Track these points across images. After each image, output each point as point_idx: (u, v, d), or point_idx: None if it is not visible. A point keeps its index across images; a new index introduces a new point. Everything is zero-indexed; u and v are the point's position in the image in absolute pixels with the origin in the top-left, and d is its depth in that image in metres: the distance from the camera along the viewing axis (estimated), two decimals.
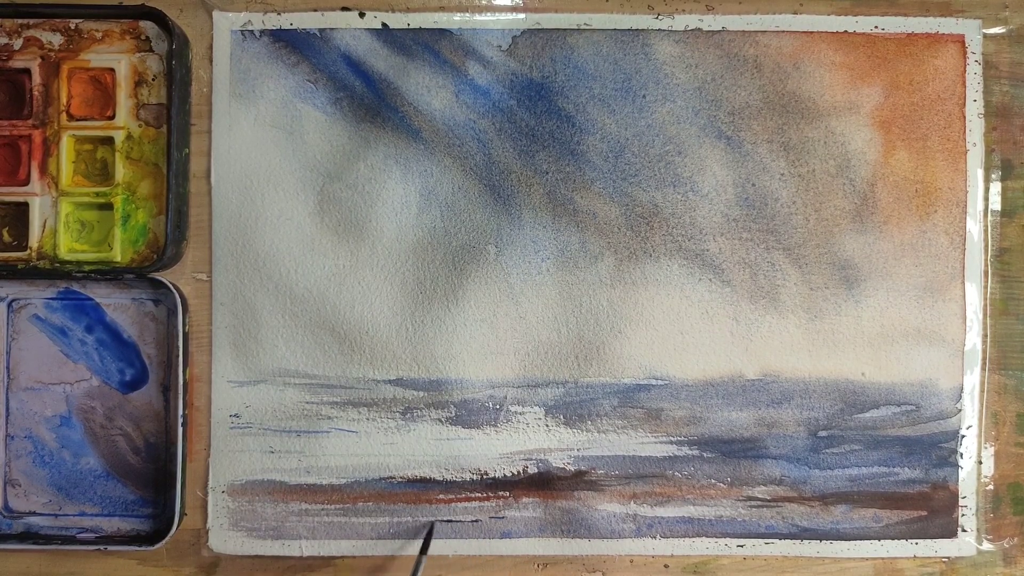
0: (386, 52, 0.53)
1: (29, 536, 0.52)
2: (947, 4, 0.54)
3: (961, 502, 0.54)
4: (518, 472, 0.53)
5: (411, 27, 0.53)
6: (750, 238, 0.54)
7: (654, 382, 0.53)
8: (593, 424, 0.53)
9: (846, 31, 0.54)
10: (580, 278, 0.53)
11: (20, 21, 0.52)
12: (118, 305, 0.53)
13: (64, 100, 0.52)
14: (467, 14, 0.54)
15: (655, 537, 0.54)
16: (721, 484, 0.54)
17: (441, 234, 0.53)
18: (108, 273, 0.51)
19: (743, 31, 0.54)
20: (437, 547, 0.53)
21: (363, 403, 0.53)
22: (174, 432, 0.52)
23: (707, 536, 0.54)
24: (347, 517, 0.53)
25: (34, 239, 0.52)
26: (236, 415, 0.53)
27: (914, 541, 0.54)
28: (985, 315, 0.54)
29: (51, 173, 0.52)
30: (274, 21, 0.53)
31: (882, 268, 0.54)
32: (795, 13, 0.54)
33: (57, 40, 0.52)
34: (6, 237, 0.53)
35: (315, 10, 0.53)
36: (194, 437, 0.53)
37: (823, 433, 0.54)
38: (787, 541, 0.54)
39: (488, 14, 0.54)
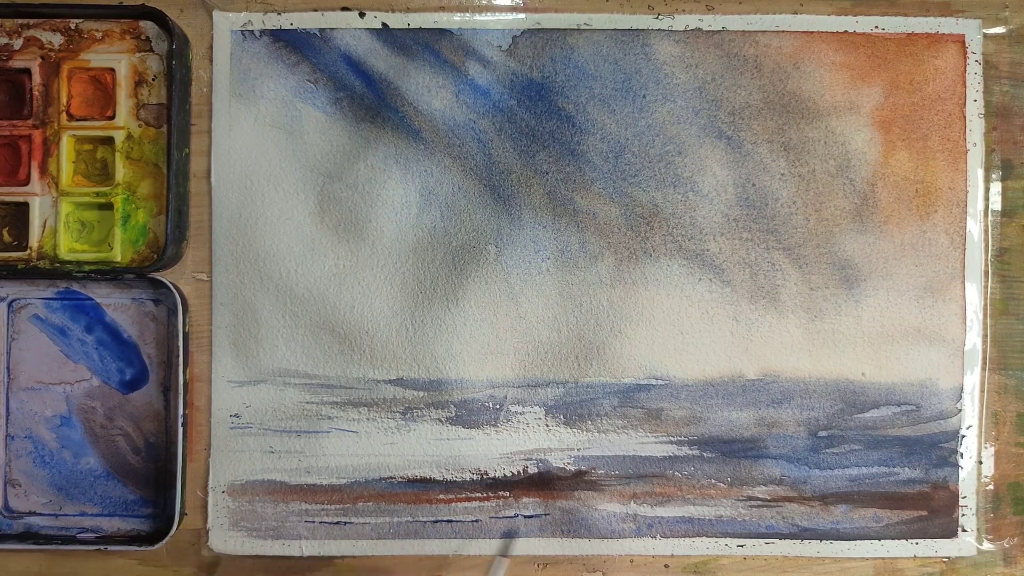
0: (386, 52, 0.53)
1: (29, 536, 0.52)
2: (947, 4, 0.54)
3: (961, 502, 0.54)
4: (518, 472, 0.53)
5: (411, 27, 0.53)
6: (750, 238, 0.54)
7: (654, 382, 0.53)
8: (593, 424, 0.53)
9: (846, 31, 0.54)
10: (580, 278, 0.53)
11: (20, 21, 0.52)
12: (118, 305, 0.53)
13: (64, 100, 0.52)
14: (467, 14, 0.54)
15: (655, 537, 0.54)
16: (721, 484, 0.54)
17: (441, 234, 0.53)
18: (108, 273, 0.51)
19: (743, 31, 0.54)
20: (437, 547, 0.53)
21: (363, 403, 0.53)
22: (174, 432, 0.52)
23: (707, 536, 0.54)
24: (347, 517, 0.53)
25: (34, 239, 0.52)
26: (236, 415, 0.53)
27: (914, 541, 0.54)
28: (985, 315, 0.54)
29: (51, 173, 0.52)
30: (274, 21, 0.53)
31: (882, 268, 0.54)
32: (795, 13, 0.54)
33: (57, 40, 0.52)
34: (6, 237, 0.53)
35: (315, 10, 0.53)
36: (194, 437, 0.53)
37: (823, 433, 0.54)
38: (787, 541, 0.54)
39: (488, 14, 0.54)
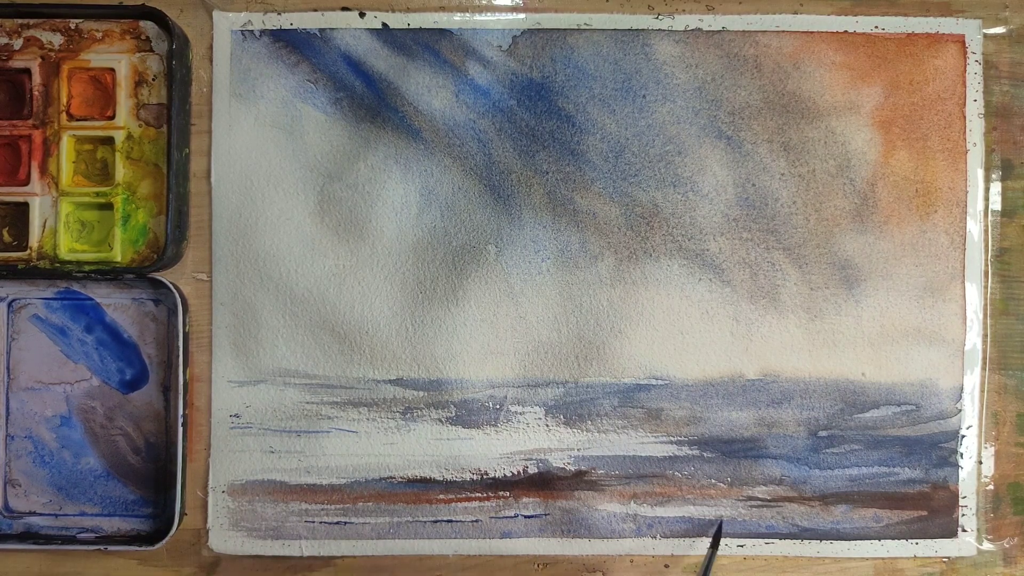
0: (386, 52, 0.53)
1: (29, 536, 0.52)
2: (947, 4, 0.54)
3: (961, 502, 0.54)
4: (518, 472, 0.53)
5: (411, 27, 0.53)
6: (750, 238, 0.54)
7: (654, 382, 0.53)
8: (593, 424, 0.53)
9: (846, 31, 0.54)
10: (580, 278, 0.53)
11: (20, 21, 0.52)
12: (118, 305, 0.53)
13: (64, 100, 0.52)
14: (467, 14, 0.54)
15: (655, 537, 0.54)
16: (721, 484, 0.54)
17: (441, 234, 0.53)
18: (108, 273, 0.51)
19: (743, 31, 0.54)
20: (437, 547, 0.53)
21: (363, 403, 0.53)
22: (174, 432, 0.52)
23: (707, 536, 0.54)
24: (347, 517, 0.53)
25: (34, 239, 0.52)
26: (236, 415, 0.53)
27: (914, 541, 0.54)
28: (985, 315, 0.54)
29: (51, 173, 0.52)
30: (274, 21, 0.53)
31: (882, 268, 0.54)
32: (795, 13, 0.54)
33: (57, 40, 0.52)
34: (6, 237, 0.53)
35: (315, 10, 0.53)
36: (194, 437, 0.53)
37: (823, 433, 0.54)
38: (787, 541, 0.54)
39: (488, 14, 0.54)
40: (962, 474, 0.54)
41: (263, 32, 0.53)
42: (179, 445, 0.51)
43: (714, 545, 0.52)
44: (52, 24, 0.52)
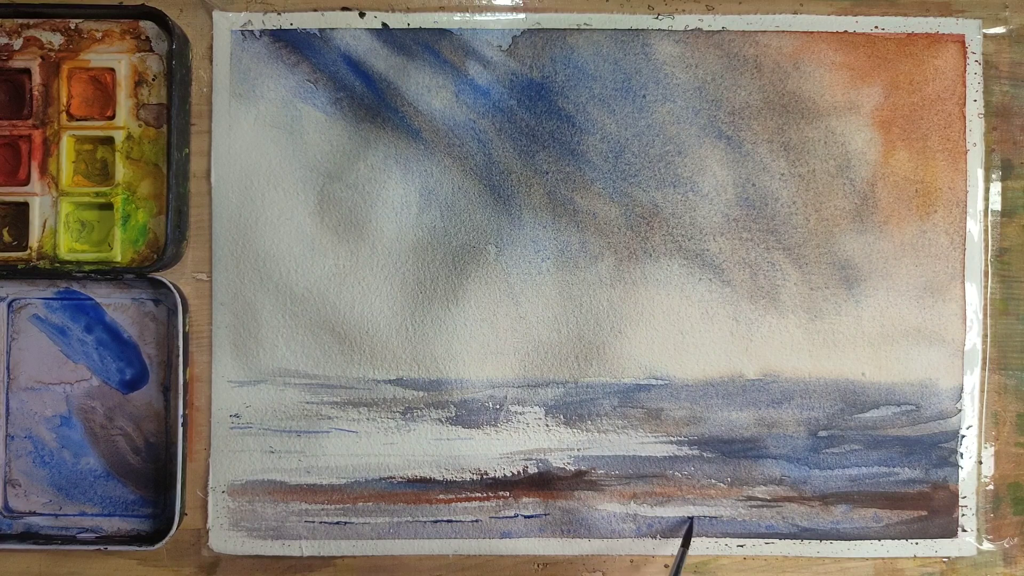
0: (386, 52, 0.53)
1: (29, 536, 0.52)
2: (947, 4, 0.54)
3: (961, 502, 0.54)
4: (518, 472, 0.53)
5: (411, 27, 0.53)
6: (750, 238, 0.54)
7: (654, 382, 0.53)
8: (593, 424, 0.53)
9: (846, 31, 0.54)
10: (580, 278, 0.53)
11: (20, 21, 0.52)
12: (118, 305, 0.53)
13: (64, 100, 0.52)
14: (467, 14, 0.54)
15: (655, 537, 0.54)
16: (721, 484, 0.54)
17: (441, 234, 0.53)
18: (108, 273, 0.51)
19: (743, 31, 0.54)
20: (437, 547, 0.53)
21: (363, 403, 0.53)
22: (174, 432, 0.52)
23: (707, 536, 0.54)
24: (347, 517, 0.53)
25: (34, 239, 0.52)
26: (236, 415, 0.53)
27: (914, 541, 0.54)
28: (985, 315, 0.54)
29: (51, 173, 0.52)
30: (274, 21, 0.53)
31: (882, 268, 0.54)
32: (795, 13, 0.54)
33: (57, 40, 0.52)
34: (6, 237, 0.53)
35: (315, 10, 0.53)
36: (194, 437, 0.53)
37: (823, 433, 0.54)
38: (787, 541, 0.54)
39: (488, 14, 0.54)
40: (962, 474, 0.54)
41: (263, 32, 0.53)
42: (179, 445, 0.51)
43: (685, 544, 0.52)
44: (52, 24, 0.52)
